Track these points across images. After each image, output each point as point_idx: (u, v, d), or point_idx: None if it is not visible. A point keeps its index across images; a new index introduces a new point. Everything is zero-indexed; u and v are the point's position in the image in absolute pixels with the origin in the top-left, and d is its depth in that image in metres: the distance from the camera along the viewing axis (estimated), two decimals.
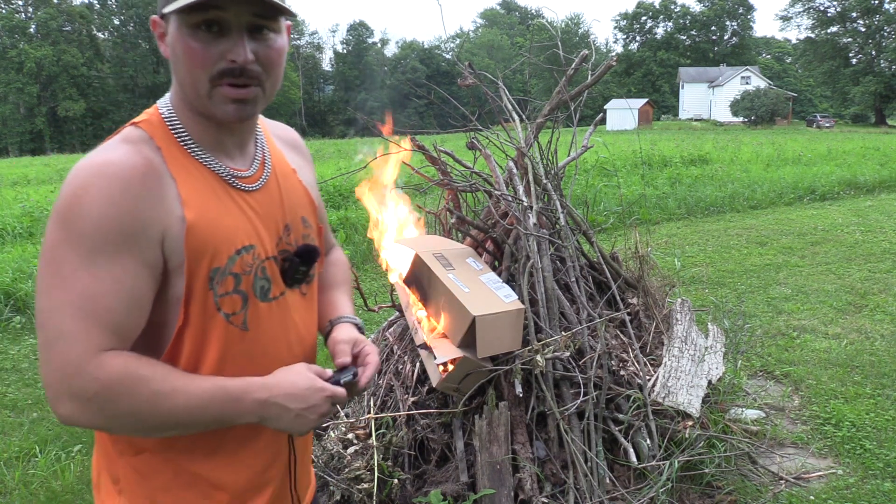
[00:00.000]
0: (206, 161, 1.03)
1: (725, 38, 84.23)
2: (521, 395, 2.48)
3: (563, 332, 2.60)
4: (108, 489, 1.08)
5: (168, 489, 1.05)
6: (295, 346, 1.13)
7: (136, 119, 1.02)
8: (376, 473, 2.45)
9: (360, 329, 1.26)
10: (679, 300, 3.28)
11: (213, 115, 1.00)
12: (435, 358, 2.44)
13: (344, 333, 1.21)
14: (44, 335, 0.91)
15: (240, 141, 1.08)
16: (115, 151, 0.95)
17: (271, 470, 1.13)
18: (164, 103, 1.04)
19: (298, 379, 1.02)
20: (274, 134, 1.21)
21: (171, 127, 1.01)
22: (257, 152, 1.12)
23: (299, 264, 1.11)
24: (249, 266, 1.04)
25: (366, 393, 2.90)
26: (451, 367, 2.42)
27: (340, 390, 1.06)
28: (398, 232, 2.85)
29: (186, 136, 1.02)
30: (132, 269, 0.93)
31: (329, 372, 1.09)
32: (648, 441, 2.61)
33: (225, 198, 1.03)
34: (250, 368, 1.05)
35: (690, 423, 2.69)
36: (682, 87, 70.15)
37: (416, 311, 2.66)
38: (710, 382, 2.94)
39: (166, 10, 0.96)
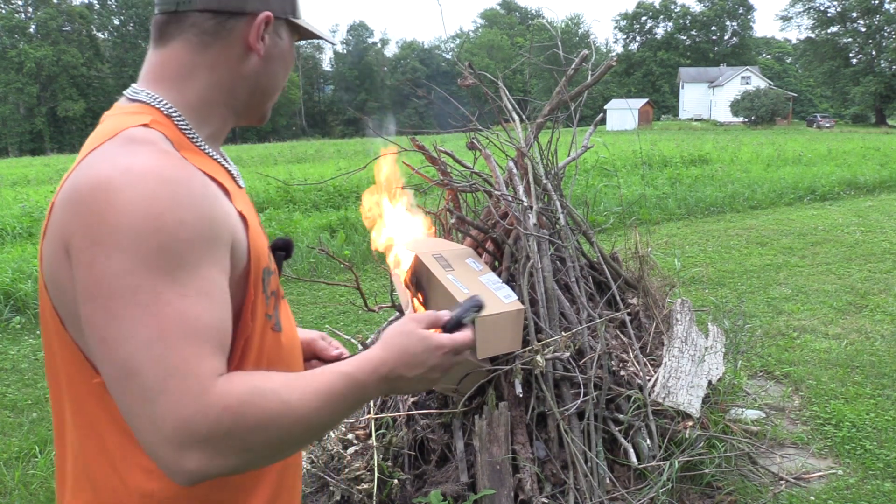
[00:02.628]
0: (217, 158, 0.99)
1: (725, 38, 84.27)
2: (521, 396, 2.48)
3: (563, 333, 2.60)
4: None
5: None
6: (297, 338, 1.14)
7: (139, 120, 0.89)
8: (376, 474, 2.45)
9: None
10: (679, 300, 3.28)
11: (262, 118, 1.06)
12: None
13: (304, 333, 1.22)
14: (140, 382, 0.74)
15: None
16: (145, 155, 0.83)
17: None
18: (156, 101, 0.94)
19: (410, 342, 0.93)
20: None
21: (179, 126, 0.94)
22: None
23: (284, 257, 1.09)
24: (273, 264, 1.02)
25: None
26: None
27: (462, 337, 0.98)
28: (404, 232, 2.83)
29: (194, 132, 0.96)
30: (216, 279, 0.82)
31: (446, 314, 1.01)
32: (648, 441, 2.61)
33: (239, 194, 0.99)
34: (283, 371, 0.97)
35: (690, 423, 2.69)
36: (682, 88, 70.17)
37: (414, 306, 2.66)
38: (710, 383, 2.93)
39: (300, 21, 1.02)
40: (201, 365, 0.76)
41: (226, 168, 1.00)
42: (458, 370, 2.40)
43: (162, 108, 0.93)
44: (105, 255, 0.75)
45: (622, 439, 2.59)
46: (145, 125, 0.88)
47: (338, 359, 1.16)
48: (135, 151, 0.82)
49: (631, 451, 2.56)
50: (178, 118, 0.93)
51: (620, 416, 2.64)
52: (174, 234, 0.77)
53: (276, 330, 0.98)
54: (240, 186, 1.03)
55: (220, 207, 0.85)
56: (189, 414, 0.74)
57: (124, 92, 0.98)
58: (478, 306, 1.03)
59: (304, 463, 2.75)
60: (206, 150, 0.96)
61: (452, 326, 1.00)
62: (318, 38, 1.07)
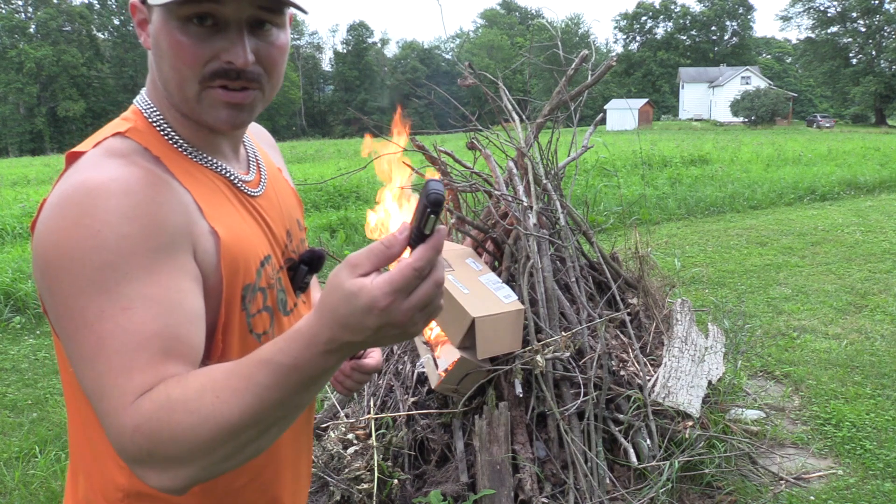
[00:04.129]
0: (210, 164, 0.91)
1: (725, 38, 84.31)
2: (521, 396, 2.48)
3: (563, 333, 2.60)
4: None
5: None
6: None
7: (119, 127, 0.87)
8: (376, 474, 2.45)
9: None
10: (679, 300, 3.28)
11: (201, 119, 0.88)
12: (437, 366, 2.44)
13: None
14: (95, 405, 0.74)
15: (234, 144, 0.98)
16: (105, 169, 0.79)
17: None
18: (145, 103, 0.91)
19: (338, 304, 0.66)
20: (251, 132, 1.10)
21: (161, 131, 0.89)
22: (249, 154, 1.02)
23: (307, 272, 1.01)
24: (272, 278, 0.94)
25: (366, 393, 2.90)
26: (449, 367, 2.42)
27: (404, 271, 0.65)
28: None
29: (180, 138, 0.89)
30: (172, 286, 0.77)
31: (403, 232, 0.67)
32: (648, 441, 2.61)
33: (237, 204, 0.93)
34: None
35: (690, 423, 2.69)
36: (682, 88, 70.18)
37: None
38: (710, 383, 2.93)
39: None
40: (126, 382, 0.71)
41: (224, 175, 0.93)
42: (457, 372, 2.40)
43: (146, 112, 0.90)
44: (58, 278, 0.75)
45: (622, 439, 2.59)
46: (122, 134, 0.85)
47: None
48: (99, 166, 0.80)
49: (631, 451, 2.56)
50: (160, 122, 0.89)
51: (620, 416, 2.64)
52: (116, 249, 0.74)
53: None
54: (249, 194, 0.96)
55: (180, 216, 0.80)
56: (114, 436, 0.72)
57: None
58: (436, 199, 0.65)
59: None
60: (194, 155, 0.90)
61: (416, 242, 0.67)
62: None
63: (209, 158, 0.91)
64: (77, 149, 0.85)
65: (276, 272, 0.96)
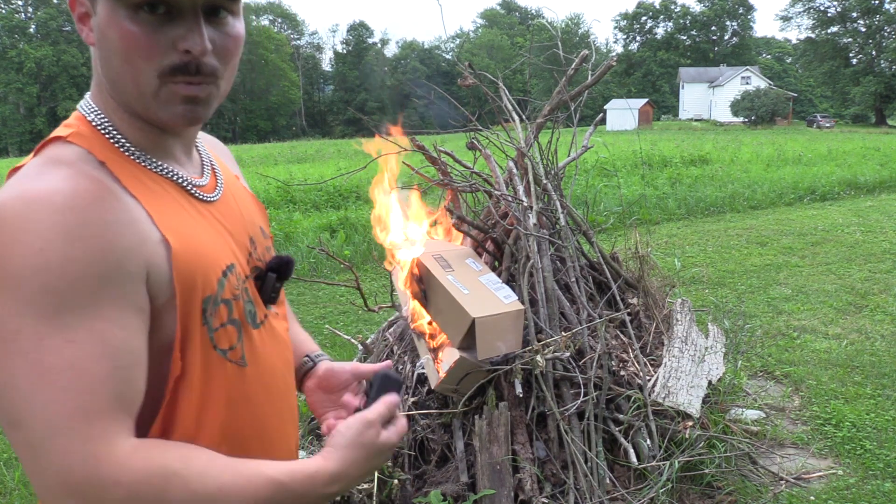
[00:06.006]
0: (160, 169, 0.86)
1: (725, 38, 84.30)
2: (521, 396, 2.48)
3: (563, 333, 2.60)
4: None
5: None
6: (287, 375, 1.01)
7: (59, 132, 0.83)
8: (376, 474, 2.45)
9: None
10: (679, 300, 3.28)
11: (156, 117, 0.83)
12: (439, 371, 2.44)
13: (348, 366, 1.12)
14: (25, 436, 0.69)
15: (187, 146, 0.93)
16: (49, 178, 0.74)
17: None
18: (88, 107, 0.86)
19: (359, 454, 0.88)
20: (205, 143, 1.06)
21: (106, 134, 0.83)
22: (203, 159, 0.97)
23: (276, 280, 0.97)
24: (237, 289, 0.88)
25: None
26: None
27: (395, 433, 0.95)
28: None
29: (127, 142, 0.84)
30: (118, 320, 0.73)
31: (381, 407, 0.95)
32: (648, 441, 2.61)
33: (192, 211, 0.87)
34: (249, 413, 0.89)
35: (690, 423, 2.69)
36: (683, 88, 70.16)
37: (414, 309, 2.66)
38: (710, 383, 2.93)
39: None
40: (85, 426, 0.69)
41: (175, 180, 0.87)
42: (456, 372, 2.40)
43: (89, 116, 0.85)
44: None
45: (622, 439, 2.59)
46: (65, 139, 0.81)
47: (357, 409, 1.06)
48: (40, 176, 0.75)
49: (631, 451, 2.56)
50: (105, 124, 0.84)
51: (620, 416, 2.64)
52: (60, 273, 0.69)
53: (241, 365, 0.88)
54: (204, 200, 0.90)
55: (130, 236, 0.75)
56: (77, 480, 0.68)
57: None
58: (392, 383, 1.01)
59: None
60: (142, 160, 0.84)
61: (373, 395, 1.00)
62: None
63: (159, 163, 0.86)
64: (19, 164, 0.81)
65: (242, 282, 0.90)
